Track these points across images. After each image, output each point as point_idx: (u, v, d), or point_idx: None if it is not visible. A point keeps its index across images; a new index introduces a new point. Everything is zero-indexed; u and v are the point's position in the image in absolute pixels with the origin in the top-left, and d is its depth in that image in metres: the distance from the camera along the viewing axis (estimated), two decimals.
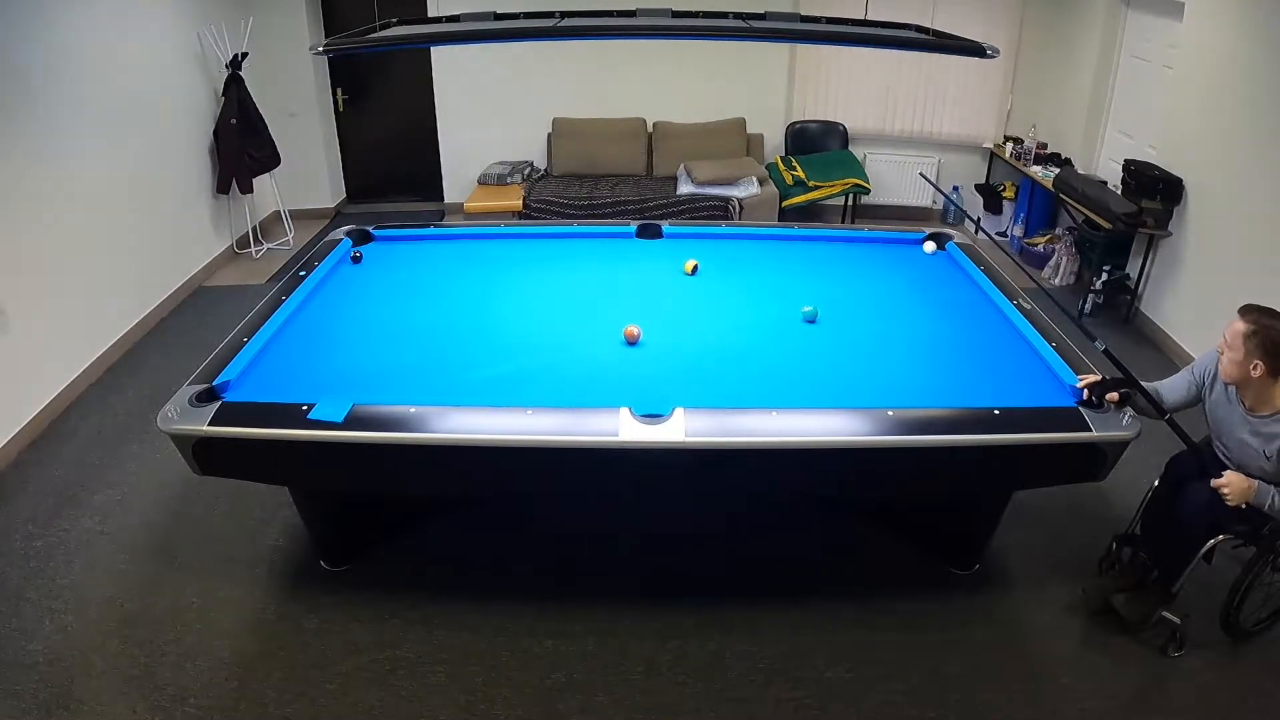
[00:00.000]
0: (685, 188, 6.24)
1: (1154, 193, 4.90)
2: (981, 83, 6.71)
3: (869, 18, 3.51)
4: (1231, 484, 2.56)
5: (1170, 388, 2.81)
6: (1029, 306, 3.21)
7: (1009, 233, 6.67)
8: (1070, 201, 5.47)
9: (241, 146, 5.80)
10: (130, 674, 2.74)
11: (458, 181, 6.98)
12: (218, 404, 2.53)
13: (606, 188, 6.38)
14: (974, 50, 2.75)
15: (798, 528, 3.47)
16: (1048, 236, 6.27)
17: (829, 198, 6.44)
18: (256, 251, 6.23)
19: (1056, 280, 5.99)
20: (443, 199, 7.16)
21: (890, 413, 2.51)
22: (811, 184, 6.31)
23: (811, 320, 3.17)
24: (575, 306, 3.30)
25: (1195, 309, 4.80)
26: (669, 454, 2.44)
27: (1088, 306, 5.42)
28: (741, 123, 6.76)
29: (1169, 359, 4.83)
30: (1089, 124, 6.00)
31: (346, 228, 3.95)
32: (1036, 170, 6.07)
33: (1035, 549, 3.33)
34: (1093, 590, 3.00)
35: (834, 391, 2.72)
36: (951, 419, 2.52)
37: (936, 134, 6.91)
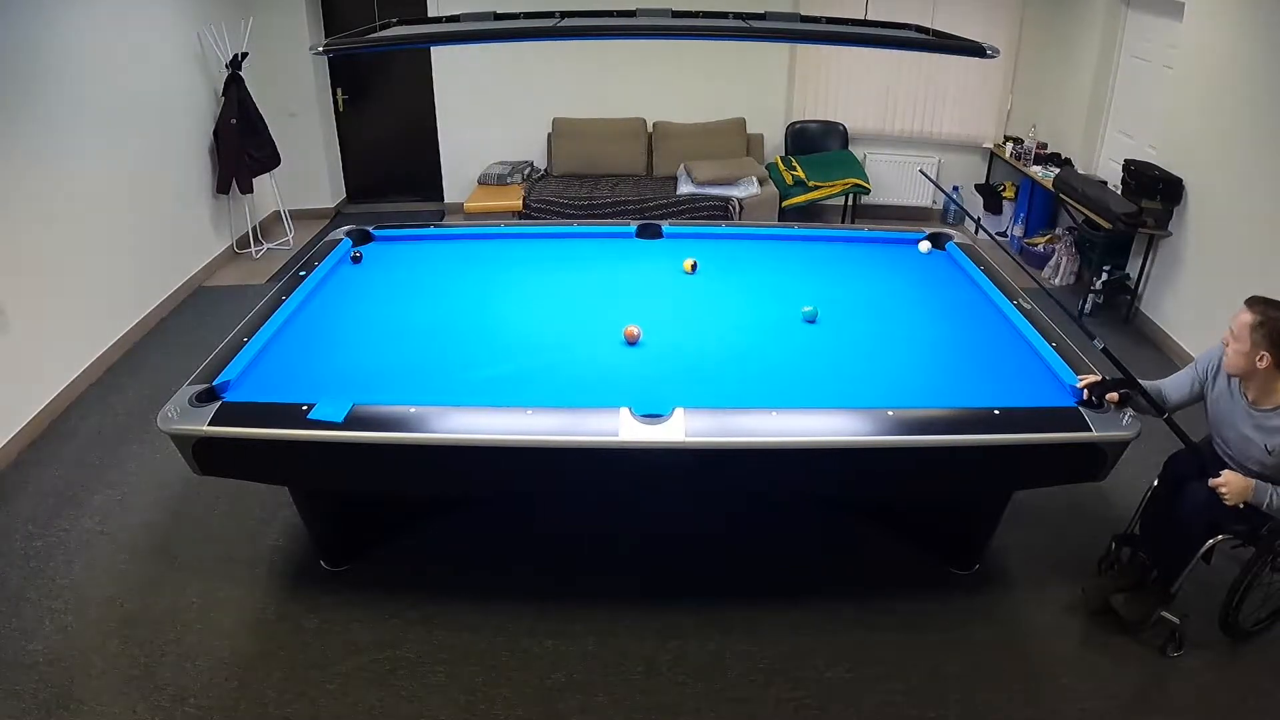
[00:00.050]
0: (685, 188, 6.25)
1: (1154, 193, 4.90)
2: (981, 83, 6.71)
3: (869, 18, 3.51)
4: (1229, 483, 2.56)
5: (1172, 385, 2.82)
6: (1029, 306, 3.21)
7: (1009, 233, 6.67)
8: (1070, 201, 5.47)
9: (241, 146, 5.80)
10: (130, 674, 2.74)
11: (458, 181, 6.98)
12: (218, 404, 2.53)
13: (606, 188, 6.38)
14: (974, 50, 2.75)
15: (798, 528, 3.47)
16: (1048, 236, 6.27)
17: (829, 198, 6.44)
18: (256, 251, 6.23)
19: (1056, 280, 5.99)
20: (443, 199, 7.17)
21: (890, 413, 2.51)
22: (811, 184, 6.31)
23: (811, 320, 3.17)
24: (575, 306, 3.30)
25: (1195, 309, 4.80)
26: (669, 454, 2.44)
27: (1088, 306, 5.42)
28: (741, 123, 6.76)
29: (1169, 359, 4.83)
30: (1089, 124, 6.00)
31: (346, 228, 3.95)
32: (1036, 170, 6.07)
33: (1035, 549, 3.33)
34: (1092, 590, 3.00)
35: (834, 391, 2.72)
36: (951, 419, 2.52)
37: (936, 134, 6.91)
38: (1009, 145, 6.58)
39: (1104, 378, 2.67)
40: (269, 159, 6.03)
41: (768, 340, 3.07)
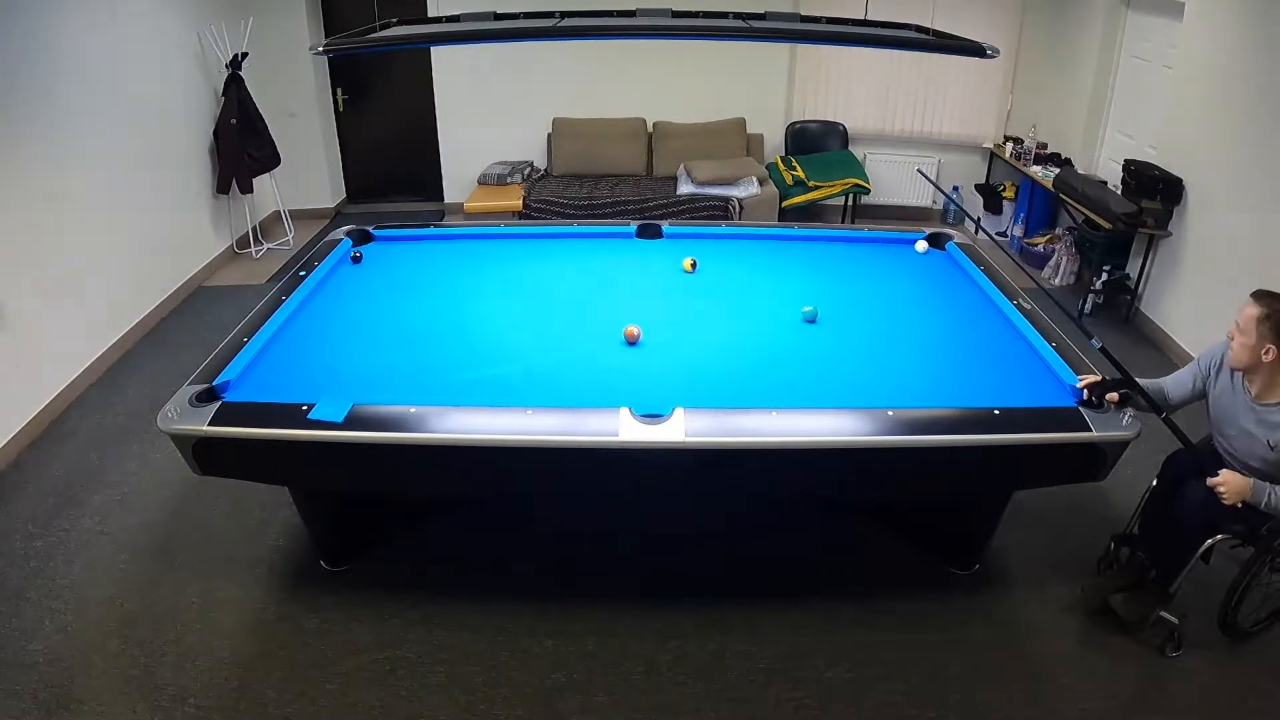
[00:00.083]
0: (685, 188, 6.25)
1: (1154, 193, 4.90)
2: (981, 83, 6.71)
3: (869, 18, 3.51)
4: (1228, 482, 2.55)
5: (1174, 383, 2.82)
6: (1029, 306, 3.21)
7: (1009, 233, 6.67)
8: (1070, 201, 5.48)
9: (241, 146, 5.80)
10: (130, 674, 2.74)
11: (458, 181, 6.98)
12: (218, 404, 2.53)
13: (606, 188, 6.38)
14: (974, 50, 2.75)
15: (798, 528, 3.47)
16: (1048, 236, 6.27)
17: (829, 198, 6.45)
18: (256, 251, 6.23)
19: (1056, 280, 5.99)
20: (443, 199, 7.17)
21: (890, 413, 2.51)
22: (811, 184, 6.31)
23: (811, 320, 3.17)
24: (575, 306, 3.30)
25: (1195, 309, 4.80)
26: (669, 454, 2.44)
27: (1088, 306, 5.42)
28: (741, 123, 6.76)
29: (1169, 359, 4.83)
30: (1089, 124, 6.00)
31: (346, 228, 3.95)
32: (1036, 170, 6.07)
33: (1035, 549, 3.33)
34: (1091, 590, 3.00)
35: (834, 391, 2.72)
36: (952, 419, 2.52)
37: (936, 134, 6.91)
38: (1009, 145, 6.58)
39: (1104, 378, 2.67)
40: (269, 159, 6.03)
41: (768, 340, 3.07)
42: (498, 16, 3.18)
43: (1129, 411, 2.59)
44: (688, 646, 2.87)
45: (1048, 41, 6.44)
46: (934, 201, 7.07)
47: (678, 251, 3.72)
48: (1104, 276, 5.35)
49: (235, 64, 5.71)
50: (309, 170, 6.80)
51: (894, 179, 6.95)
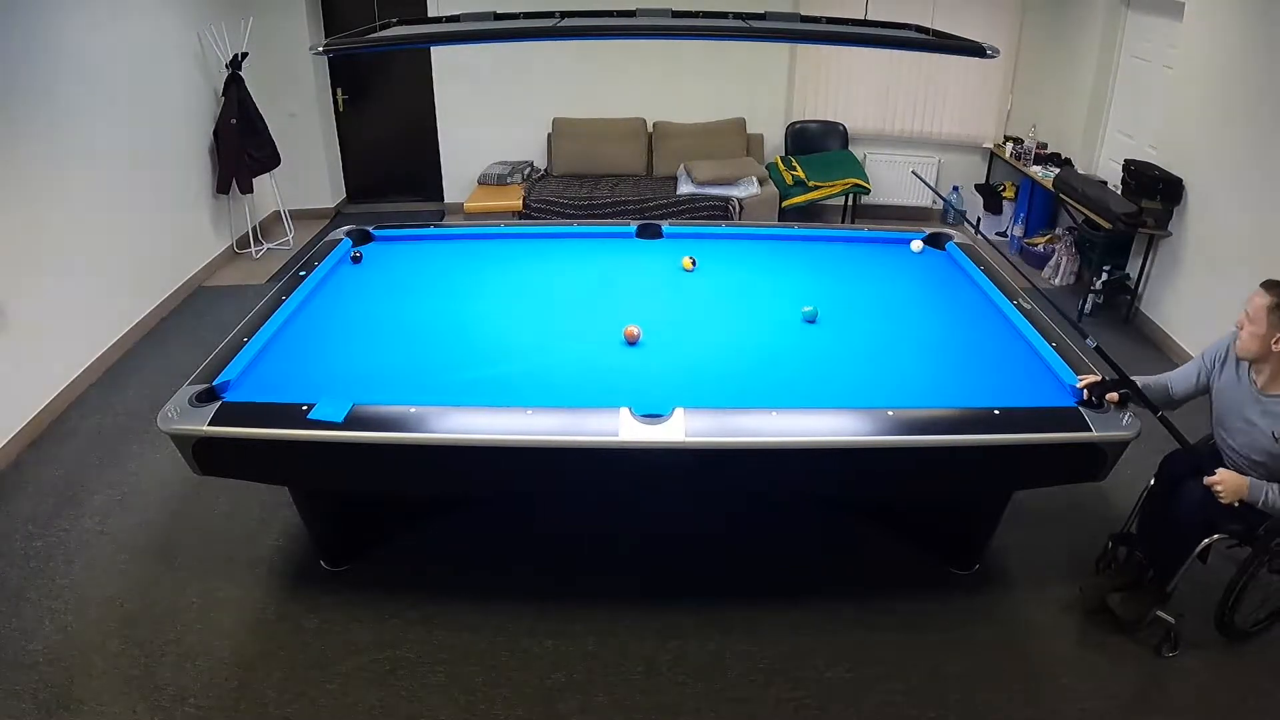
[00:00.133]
0: (685, 188, 6.25)
1: (1154, 193, 4.90)
2: (981, 83, 6.71)
3: (869, 18, 3.51)
4: (1225, 481, 2.55)
5: (1179, 377, 2.82)
6: (1029, 306, 3.21)
7: (1009, 233, 6.67)
8: (1070, 201, 5.48)
9: (241, 146, 5.80)
10: (130, 674, 2.74)
11: (458, 181, 6.98)
12: (218, 404, 2.53)
13: (606, 188, 6.38)
14: (974, 50, 2.75)
15: (798, 528, 3.47)
16: (1048, 236, 6.27)
17: (829, 198, 6.45)
18: (256, 251, 6.23)
19: (1056, 280, 5.99)
20: (443, 199, 7.17)
21: (890, 413, 2.51)
22: (811, 184, 6.31)
23: (811, 320, 3.17)
24: (575, 306, 3.30)
25: (1195, 309, 4.80)
26: (669, 454, 2.44)
27: (1088, 306, 5.42)
28: (741, 123, 6.77)
29: (1169, 359, 4.83)
30: (1089, 124, 6.00)
31: (346, 228, 3.95)
32: (1036, 170, 6.07)
33: (1035, 549, 3.33)
34: (1089, 589, 3.00)
35: (834, 391, 2.72)
36: (952, 419, 2.52)
37: (936, 134, 6.91)
38: (1009, 145, 6.58)
39: (1104, 377, 2.67)
40: (269, 159, 6.03)
41: (768, 340, 3.07)
42: (498, 16, 3.19)
43: (1129, 411, 2.59)
44: (688, 646, 2.87)
45: (1047, 41, 6.44)
46: (934, 202, 7.07)
47: (678, 252, 3.72)
48: (1104, 276, 5.35)
49: (235, 64, 5.71)
50: (309, 170, 6.80)
51: (894, 179, 6.95)
